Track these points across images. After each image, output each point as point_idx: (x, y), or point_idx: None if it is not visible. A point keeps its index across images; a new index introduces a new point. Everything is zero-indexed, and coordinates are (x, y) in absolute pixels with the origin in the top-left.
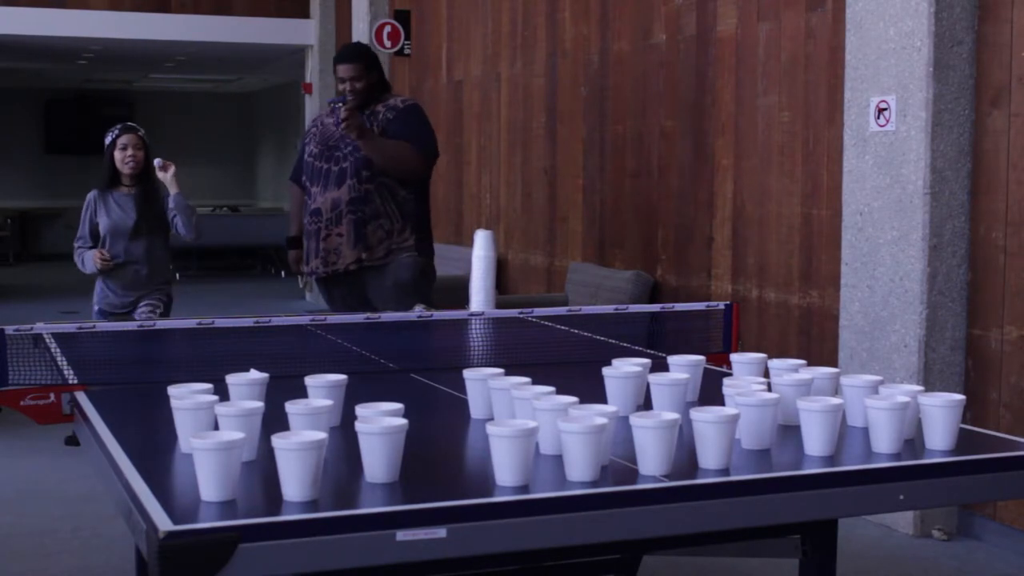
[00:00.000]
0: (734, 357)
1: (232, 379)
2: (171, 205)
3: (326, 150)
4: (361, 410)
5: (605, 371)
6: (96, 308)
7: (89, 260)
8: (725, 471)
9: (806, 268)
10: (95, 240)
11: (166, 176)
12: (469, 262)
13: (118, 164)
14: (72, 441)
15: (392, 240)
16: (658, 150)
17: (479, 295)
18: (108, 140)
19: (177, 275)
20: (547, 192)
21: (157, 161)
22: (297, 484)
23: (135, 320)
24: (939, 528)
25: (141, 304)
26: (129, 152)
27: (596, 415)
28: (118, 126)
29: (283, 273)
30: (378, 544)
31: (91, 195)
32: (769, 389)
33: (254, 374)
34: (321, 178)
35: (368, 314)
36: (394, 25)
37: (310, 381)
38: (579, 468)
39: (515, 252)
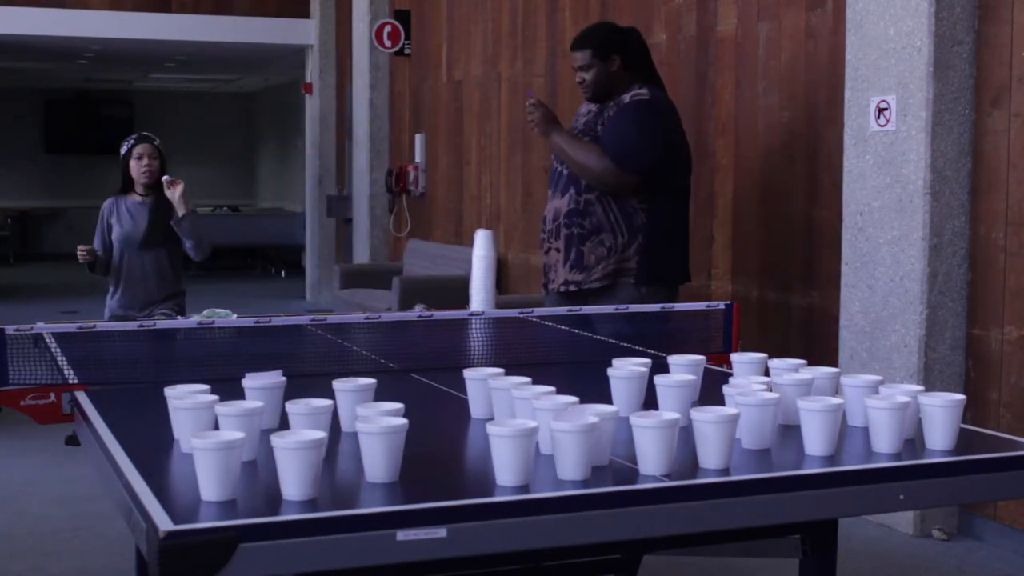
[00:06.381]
0: (734, 357)
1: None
2: (180, 227)
3: None
4: (361, 410)
5: (611, 372)
6: (108, 315)
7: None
8: (725, 471)
9: (806, 268)
10: (108, 251)
11: (173, 195)
12: (469, 262)
13: (134, 174)
14: (72, 441)
15: (610, 260)
16: None
17: (479, 295)
18: (124, 150)
19: None
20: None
21: (165, 178)
22: (297, 483)
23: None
24: (939, 528)
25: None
26: (144, 162)
27: (590, 415)
28: (133, 136)
29: (283, 273)
30: (378, 544)
31: (106, 205)
32: (769, 389)
33: (276, 376)
34: (553, 181)
35: (368, 314)
36: (394, 25)
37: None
38: (569, 467)
39: (515, 252)
